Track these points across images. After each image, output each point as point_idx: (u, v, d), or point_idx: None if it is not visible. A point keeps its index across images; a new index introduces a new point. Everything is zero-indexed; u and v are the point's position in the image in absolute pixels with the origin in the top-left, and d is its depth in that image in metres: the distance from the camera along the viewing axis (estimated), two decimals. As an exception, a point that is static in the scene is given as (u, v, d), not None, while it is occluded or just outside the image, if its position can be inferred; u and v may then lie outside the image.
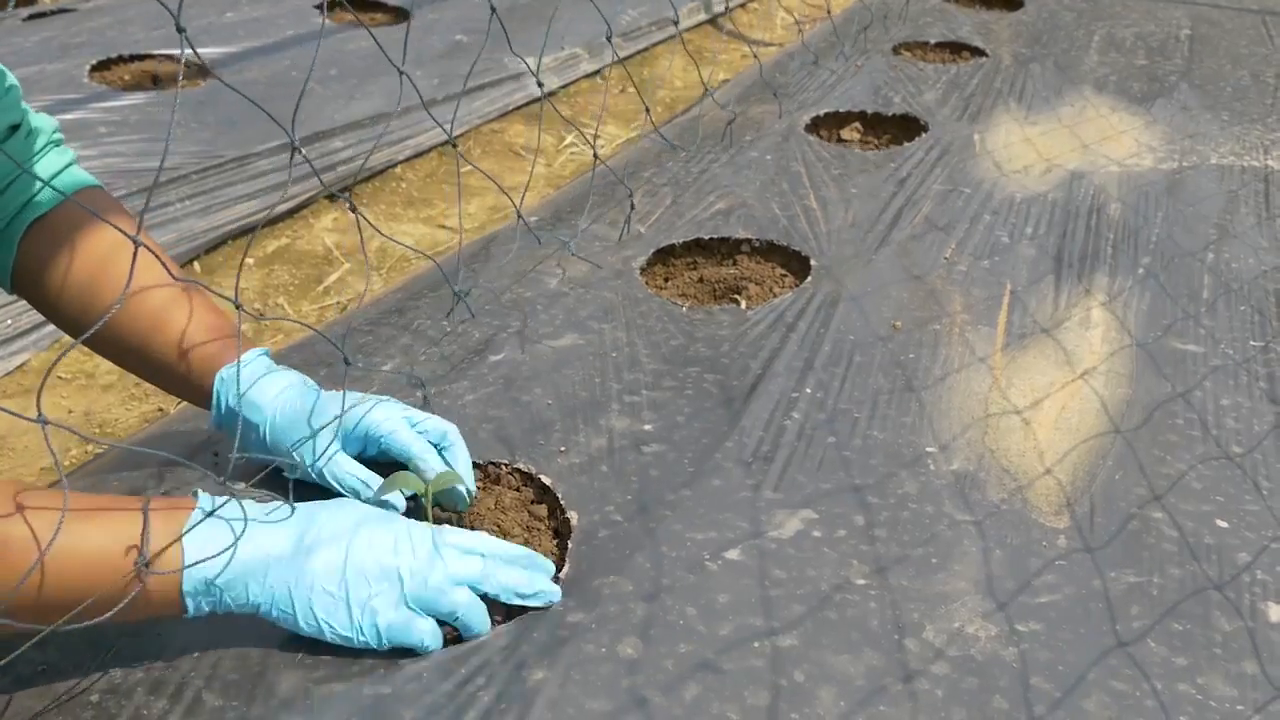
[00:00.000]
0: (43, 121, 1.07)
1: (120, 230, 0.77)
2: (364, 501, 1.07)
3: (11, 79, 1.03)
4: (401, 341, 1.46)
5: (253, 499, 0.97)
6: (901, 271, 1.66)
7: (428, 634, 0.94)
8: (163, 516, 0.86)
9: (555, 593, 1.01)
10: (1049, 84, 2.57)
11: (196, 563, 0.85)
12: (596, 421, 1.29)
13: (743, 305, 1.58)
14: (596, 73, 3.07)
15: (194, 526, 0.86)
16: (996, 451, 1.27)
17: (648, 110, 1.67)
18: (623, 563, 1.07)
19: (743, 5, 3.93)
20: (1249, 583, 1.09)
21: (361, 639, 0.92)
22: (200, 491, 0.91)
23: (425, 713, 0.90)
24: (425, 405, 1.29)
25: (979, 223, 1.84)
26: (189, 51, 0.81)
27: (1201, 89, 2.57)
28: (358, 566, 0.92)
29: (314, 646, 0.96)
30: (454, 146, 1.18)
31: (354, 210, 0.93)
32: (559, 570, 1.06)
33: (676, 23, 1.72)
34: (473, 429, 1.26)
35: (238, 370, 1.08)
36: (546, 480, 1.19)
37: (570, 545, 1.10)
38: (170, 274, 1.06)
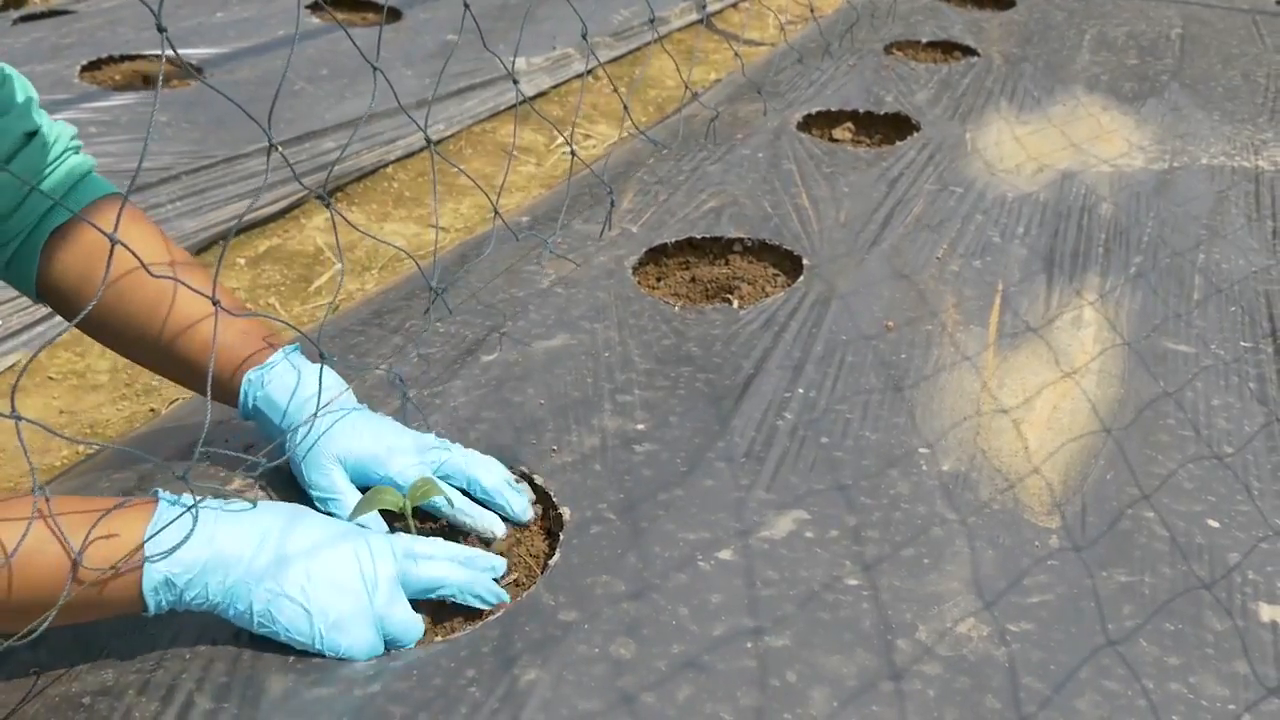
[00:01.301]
0: (61, 129, 1.07)
1: (101, 230, 0.76)
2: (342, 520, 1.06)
3: (26, 87, 1.03)
4: (394, 342, 1.46)
5: (223, 498, 0.97)
6: (893, 271, 1.67)
7: (380, 648, 0.96)
8: (127, 516, 0.87)
9: (503, 594, 1.02)
10: (1040, 83, 2.57)
11: (153, 557, 0.86)
12: (589, 421, 1.28)
13: (735, 305, 1.58)
14: (589, 72, 3.06)
15: (157, 531, 0.87)
16: (988, 451, 1.27)
17: (626, 108, 1.67)
18: (615, 562, 1.07)
19: (734, 5, 3.93)
20: (1240, 582, 1.09)
21: (318, 646, 0.94)
22: (162, 491, 0.92)
23: (415, 709, 0.90)
24: (405, 407, 1.29)
25: (970, 222, 1.84)
26: (172, 52, 0.82)
27: (1192, 89, 2.58)
28: (323, 577, 0.93)
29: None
30: (430, 144, 1.17)
31: (328, 205, 0.93)
32: (548, 560, 1.08)
33: (653, 20, 1.72)
34: (465, 429, 1.26)
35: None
36: (539, 480, 1.18)
37: (562, 538, 1.10)
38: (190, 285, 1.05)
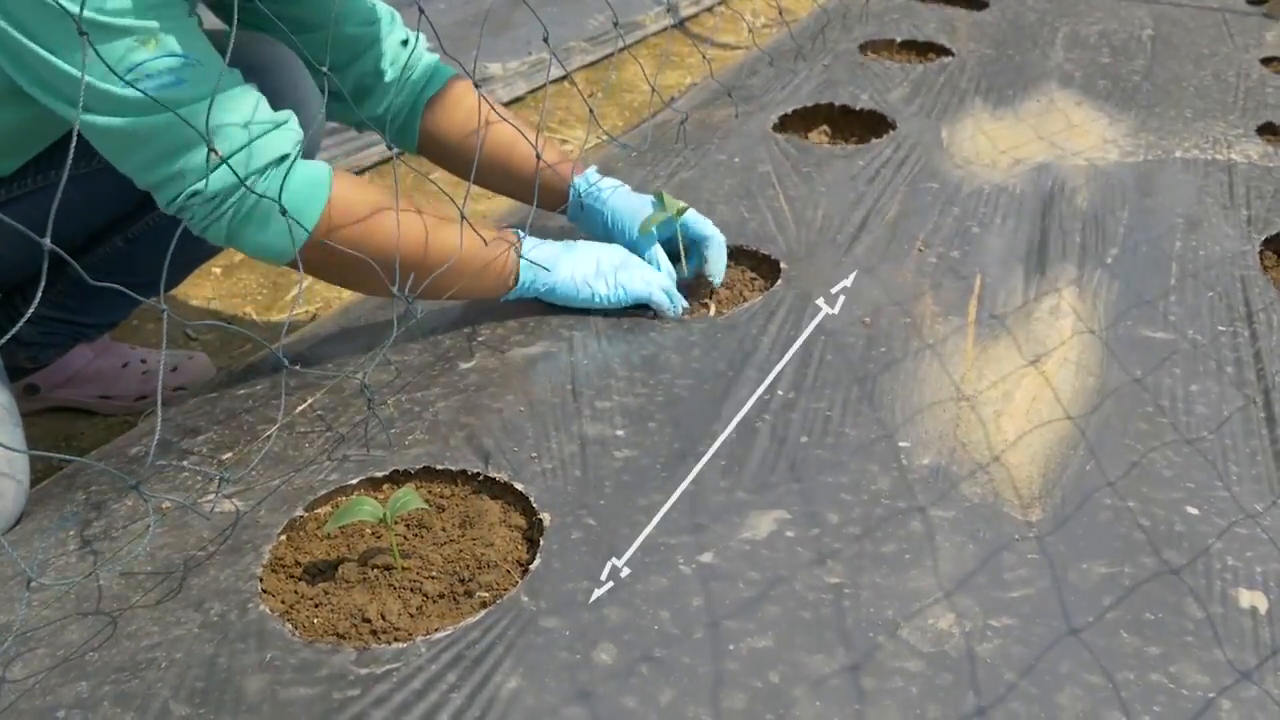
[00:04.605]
0: (417, 35, 1.56)
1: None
2: None
3: (394, 14, 1.54)
4: (370, 350, 1.45)
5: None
6: (870, 269, 1.67)
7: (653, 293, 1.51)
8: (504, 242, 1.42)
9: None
10: (1014, 81, 2.59)
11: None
12: (569, 428, 1.28)
13: (712, 310, 1.58)
14: (564, 77, 3.06)
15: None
16: (968, 445, 1.27)
17: (591, 112, 1.68)
18: (597, 567, 1.06)
19: (709, 9, 3.94)
20: (1219, 569, 1.10)
21: (614, 299, 1.48)
22: (520, 233, 1.44)
23: (395, 713, 0.89)
24: (370, 410, 1.28)
25: (947, 218, 1.85)
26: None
27: (1164, 87, 2.59)
28: (606, 261, 1.50)
29: (282, 649, 0.95)
30: (394, 153, 1.18)
31: (284, 213, 0.92)
32: (529, 565, 1.07)
33: (616, 24, 1.72)
34: (445, 436, 1.26)
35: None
36: (520, 486, 1.18)
37: (542, 544, 1.09)
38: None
